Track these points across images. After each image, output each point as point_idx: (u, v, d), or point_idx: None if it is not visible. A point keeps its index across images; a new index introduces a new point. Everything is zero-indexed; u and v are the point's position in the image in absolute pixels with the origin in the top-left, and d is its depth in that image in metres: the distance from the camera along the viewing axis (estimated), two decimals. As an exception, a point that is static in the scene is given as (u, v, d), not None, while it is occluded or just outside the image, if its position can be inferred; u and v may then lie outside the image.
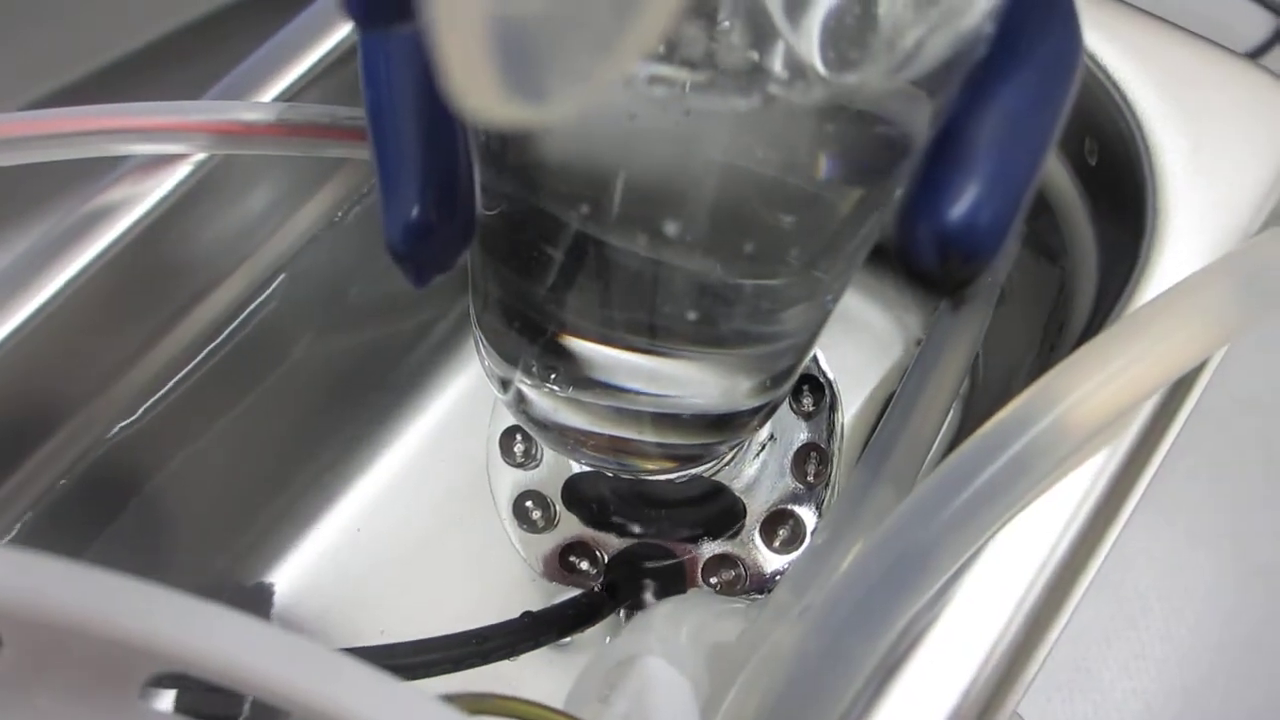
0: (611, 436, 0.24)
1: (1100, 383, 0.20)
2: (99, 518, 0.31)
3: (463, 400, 0.38)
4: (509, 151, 0.19)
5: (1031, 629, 0.21)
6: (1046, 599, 0.22)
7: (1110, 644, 0.36)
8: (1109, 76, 0.27)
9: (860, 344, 0.37)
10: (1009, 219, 0.15)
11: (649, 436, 0.24)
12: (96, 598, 0.12)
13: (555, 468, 0.33)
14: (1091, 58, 0.27)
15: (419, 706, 0.13)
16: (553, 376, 0.23)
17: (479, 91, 0.09)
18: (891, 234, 0.16)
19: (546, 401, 0.24)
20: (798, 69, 0.15)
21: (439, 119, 0.18)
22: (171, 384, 0.31)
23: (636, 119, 0.16)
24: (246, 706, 0.26)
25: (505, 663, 0.26)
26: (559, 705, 0.19)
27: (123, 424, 0.30)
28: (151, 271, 0.29)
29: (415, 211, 0.18)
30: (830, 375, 0.32)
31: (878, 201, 0.19)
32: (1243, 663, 0.35)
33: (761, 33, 0.14)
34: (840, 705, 0.20)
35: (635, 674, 0.20)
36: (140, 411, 0.30)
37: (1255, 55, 0.45)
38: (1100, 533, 0.22)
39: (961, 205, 0.15)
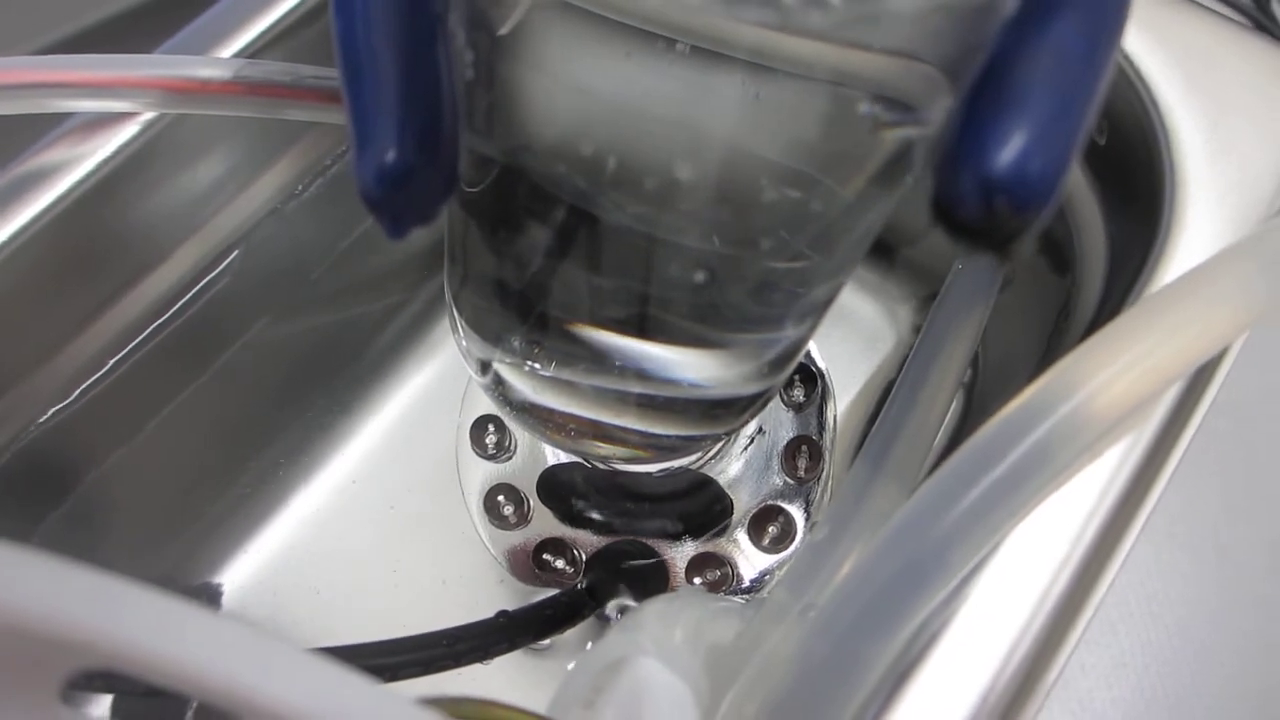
0: (595, 421, 0.23)
1: (1124, 367, 0.20)
2: (29, 510, 0.29)
3: (430, 388, 0.37)
4: (497, 98, 0.17)
5: (1054, 628, 0.20)
6: (1069, 595, 0.20)
7: (1089, 650, 0.35)
8: (1120, 50, 0.26)
9: (850, 334, 0.36)
10: (1062, 166, 0.14)
11: (634, 423, 0.23)
12: None
13: (529, 460, 0.32)
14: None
15: (396, 711, 0.11)
16: (536, 352, 0.21)
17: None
18: (932, 182, 0.15)
19: (527, 382, 0.22)
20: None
21: (419, 51, 0.16)
22: (110, 365, 0.29)
23: (632, 56, 0.15)
24: (190, 715, 0.24)
25: (477, 666, 0.24)
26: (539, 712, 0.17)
27: (56, 407, 0.29)
28: (91, 241, 0.27)
29: (392, 154, 0.16)
30: (822, 365, 0.31)
31: (891, 179, 0.18)
32: (1225, 671, 0.35)
33: None
34: (847, 711, 0.19)
35: (627, 677, 0.18)
36: (76, 394, 0.29)
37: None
38: (1124, 525, 0.21)
39: (1010, 150, 0.14)
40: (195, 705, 0.23)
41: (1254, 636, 0.35)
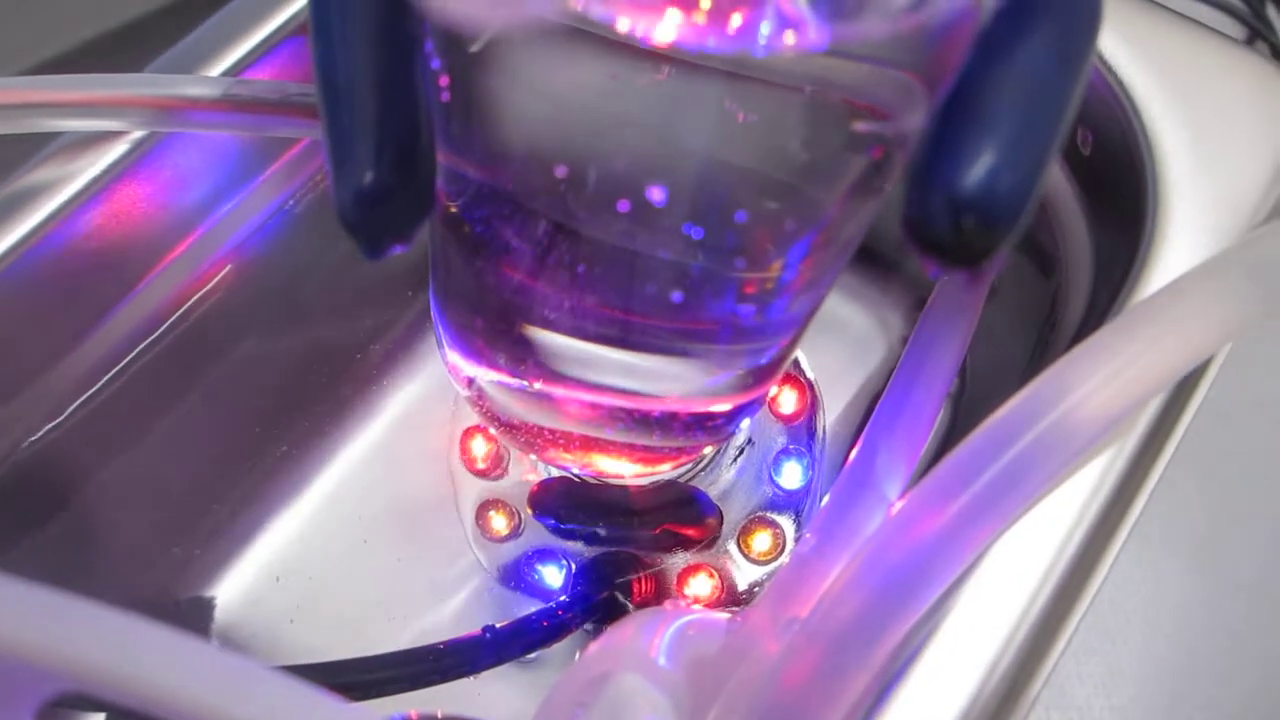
0: (583, 436, 0.23)
1: (1109, 376, 0.19)
2: (20, 527, 0.29)
3: (422, 403, 0.37)
4: (470, 115, 0.17)
5: (1039, 637, 0.20)
6: (1054, 605, 0.20)
7: (1086, 659, 0.35)
8: (1104, 62, 0.26)
9: (840, 345, 0.36)
10: (1030, 185, 0.14)
11: (622, 436, 0.23)
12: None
13: (520, 474, 0.32)
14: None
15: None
16: (521, 369, 0.21)
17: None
18: (903, 200, 0.15)
19: (514, 398, 0.22)
20: (788, 19, 0.14)
21: (395, 72, 0.16)
22: (103, 382, 0.29)
23: (608, 70, 0.15)
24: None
25: (465, 681, 0.24)
26: (525, 728, 0.17)
27: (48, 426, 0.29)
28: (81, 260, 0.27)
29: (369, 176, 0.16)
30: (811, 376, 0.31)
31: (871, 188, 0.18)
32: (1222, 679, 0.35)
33: None
34: (832, 725, 0.19)
35: (609, 692, 0.18)
36: (68, 412, 0.29)
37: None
38: (1109, 534, 0.21)
39: (979, 169, 0.14)
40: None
41: (1251, 644, 0.35)
